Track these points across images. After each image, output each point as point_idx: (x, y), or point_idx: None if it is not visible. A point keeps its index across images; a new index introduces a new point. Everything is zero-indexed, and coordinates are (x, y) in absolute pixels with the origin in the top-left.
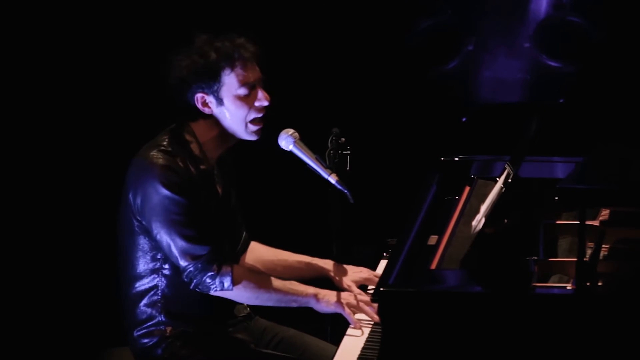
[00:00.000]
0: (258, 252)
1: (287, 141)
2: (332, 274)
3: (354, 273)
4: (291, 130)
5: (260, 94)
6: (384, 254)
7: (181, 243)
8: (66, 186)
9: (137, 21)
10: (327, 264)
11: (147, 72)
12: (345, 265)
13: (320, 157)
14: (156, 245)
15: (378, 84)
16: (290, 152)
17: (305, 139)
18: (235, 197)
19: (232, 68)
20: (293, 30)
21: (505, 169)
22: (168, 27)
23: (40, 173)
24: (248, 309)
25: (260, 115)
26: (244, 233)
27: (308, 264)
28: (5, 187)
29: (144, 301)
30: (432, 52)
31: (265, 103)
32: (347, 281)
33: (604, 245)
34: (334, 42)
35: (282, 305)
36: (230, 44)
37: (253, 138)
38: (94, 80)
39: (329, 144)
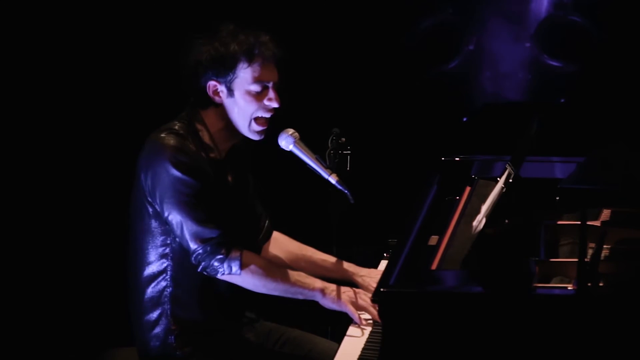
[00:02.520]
0: (282, 243)
1: (287, 141)
2: (355, 276)
3: (377, 274)
4: (291, 130)
5: (272, 94)
6: (385, 254)
7: (192, 225)
8: (73, 182)
9: (148, 12)
10: (351, 267)
11: (157, 63)
12: (368, 269)
13: (320, 157)
14: (166, 230)
15: (378, 84)
16: (291, 152)
17: (305, 139)
18: (252, 187)
19: (250, 63)
20: (293, 30)
21: (506, 169)
22: (176, 19)
23: (47, 168)
24: (253, 313)
25: (267, 115)
26: (267, 222)
27: (333, 265)
28: (11, 183)
29: (152, 286)
30: (432, 52)
31: (275, 105)
32: (371, 283)
33: (605, 246)
34: (334, 42)
35: (288, 296)
36: (253, 39)
37: (255, 138)
38: (103, 71)
39: (329, 144)
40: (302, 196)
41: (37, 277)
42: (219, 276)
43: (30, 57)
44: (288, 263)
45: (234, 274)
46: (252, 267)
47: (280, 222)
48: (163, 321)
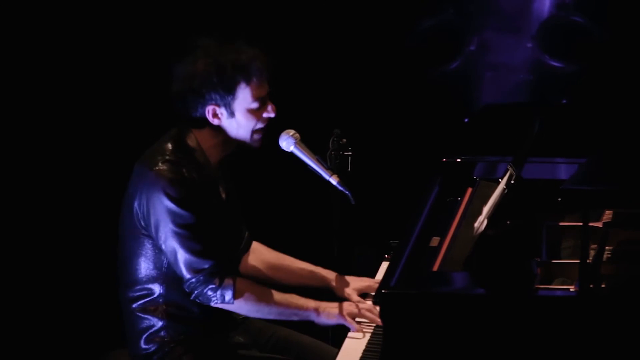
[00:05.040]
0: (260, 254)
1: (288, 142)
2: (333, 283)
3: (355, 282)
4: (292, 131)
5: (270, 106)
6: (386, 255)
7: (186, 256)
8: (69, 189)
9: (140, 23)
10: (329, 274)
11: (149, 75)
12: (347, 276)
13: (321, 158)
14: (159, 251)
15: (379, 85)
16: (291, 153)
17: (306, 140)
18: (236, 197)
19: (248, 82)
20: (293, 30)
21: (507, 170)
22: (170, 29)
23: (42, 176)
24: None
25: (264, 125)
26: (246, 233)
27: (311, 272)
28: (8, 190)
29: (145, 305)
30: (434, 52)
31: (273, 115)
32: (348, 290)
33: (607, 247)
34: (335, 43)
35: (283, 318)
36: (246, 56)
37: (256, 145)
38: (96, 84)
39: (330, 145)
40: (303, 197)
41: (35, 280)
42: (212, 304)
43: (28, 60)
44: (267, 273)
45: (227, 302)
46: (246, 294)
47: (280, 224)
48: (157, 338)
